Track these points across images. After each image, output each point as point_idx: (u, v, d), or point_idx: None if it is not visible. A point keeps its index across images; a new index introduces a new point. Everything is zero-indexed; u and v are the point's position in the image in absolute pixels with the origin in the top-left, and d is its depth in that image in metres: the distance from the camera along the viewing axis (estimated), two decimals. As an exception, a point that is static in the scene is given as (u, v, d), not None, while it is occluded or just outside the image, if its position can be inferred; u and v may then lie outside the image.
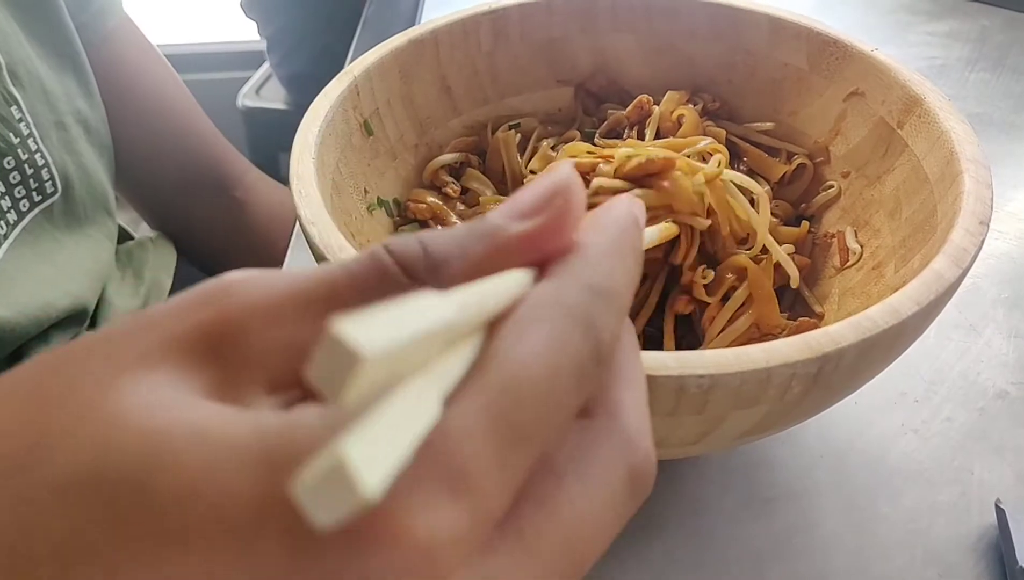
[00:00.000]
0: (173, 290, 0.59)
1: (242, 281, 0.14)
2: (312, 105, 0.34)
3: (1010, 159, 0.57)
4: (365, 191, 0.38)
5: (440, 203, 0.40)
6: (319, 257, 0.28)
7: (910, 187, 0.35)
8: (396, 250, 0.15)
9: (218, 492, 0.11)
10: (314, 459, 0.10)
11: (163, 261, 0.61)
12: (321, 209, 0.29)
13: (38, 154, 0.45)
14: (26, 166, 0.45)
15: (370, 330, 0.11)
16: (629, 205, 0.18)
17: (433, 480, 0.12)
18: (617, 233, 0.17)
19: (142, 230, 0.69)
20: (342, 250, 0.28)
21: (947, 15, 0.75)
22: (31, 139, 0.45)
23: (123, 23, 0.59)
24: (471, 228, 0.16)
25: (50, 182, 0.47)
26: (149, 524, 0.11)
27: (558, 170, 0.16)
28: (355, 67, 0.37)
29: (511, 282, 0.15)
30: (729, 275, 0.35)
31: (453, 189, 0.41)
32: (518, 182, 0.41)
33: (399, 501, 0.12)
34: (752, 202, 0.36)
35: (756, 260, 0.36)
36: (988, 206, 0.29)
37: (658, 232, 0.32)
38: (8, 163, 0.44)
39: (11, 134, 0.44)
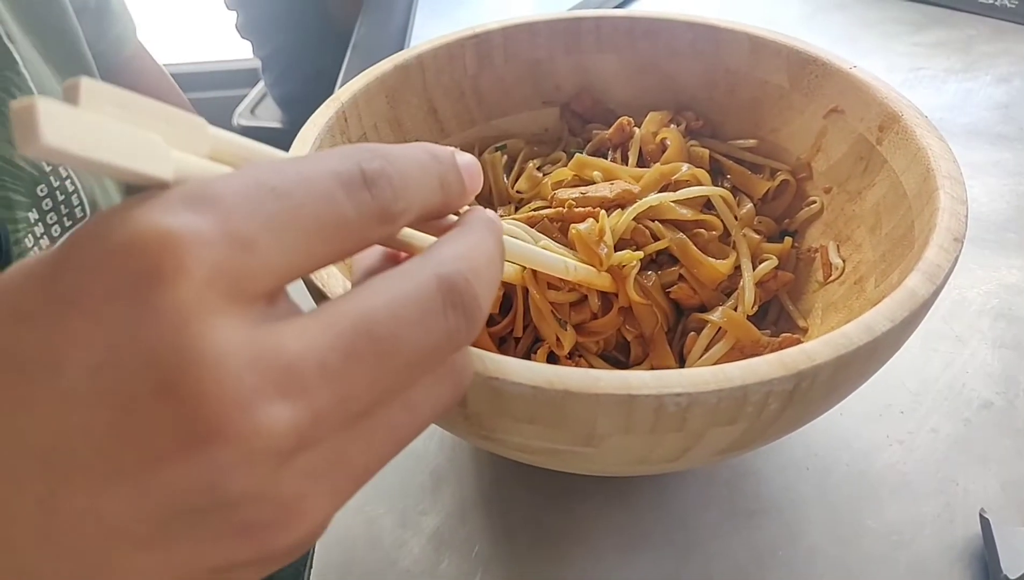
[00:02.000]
0: None
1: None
2: (299, 134, 0.35)
3: (996, 169, 0.57)
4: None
5: None
6: (308, 283, 0.29)
7: (889, 203, 0.35)
8: None
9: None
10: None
11: None
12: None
13: (68, 180, 0.46)
14: (57, 192, 0.46)
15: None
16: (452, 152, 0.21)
17: (191, 198, 0.15)
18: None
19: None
20: (329, 276, 0.28)
21: (933, 26, 0.76)
22: (61, 166, 0.46)
23: (138, 51, 0.60)
24: None
25: (79, 208, 0.47)
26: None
27: None
28: (342, 94, 0.38)
29: None
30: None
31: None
32: (505, 203, 0.42)
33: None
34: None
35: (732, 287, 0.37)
36: (963, 223, 0.30)
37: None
38: (41, 190, 0.44)
39: (44, 162, 0.44)
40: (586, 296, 0.36)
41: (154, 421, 0.14)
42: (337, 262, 0.17)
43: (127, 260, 0.14)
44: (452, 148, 0.21)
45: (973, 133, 0.61)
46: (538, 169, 0.42)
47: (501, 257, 0.21)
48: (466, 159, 0.21)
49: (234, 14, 1.23)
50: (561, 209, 0.36)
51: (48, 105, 0.13)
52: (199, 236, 0.14)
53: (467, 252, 0.19)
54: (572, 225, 0.35)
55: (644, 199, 0.37)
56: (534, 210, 0.38)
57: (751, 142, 0.43)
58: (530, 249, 0.29)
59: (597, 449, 0.26)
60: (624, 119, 0.42)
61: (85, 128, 0.13)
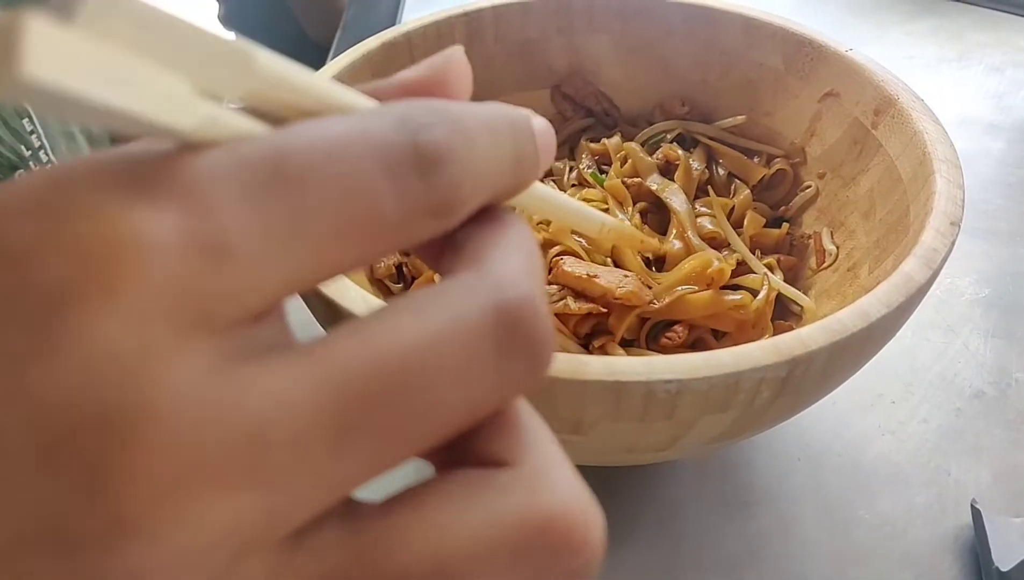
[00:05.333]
0: None
1: None
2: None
3: (988, 158, 0.57)
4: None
5: None
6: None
7: (884, 188, 0.35)
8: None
9: None
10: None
11: None
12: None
13: (49, 166, 0.45)
14: None
15: None
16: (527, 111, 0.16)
17: (152, 185, 0.10)
18: (491, 105, 0.14)
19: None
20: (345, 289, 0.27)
21: (926, 14, 0.76)
22: (42, 151, 0.45)
23: None
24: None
25: None
26: None
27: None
28: (326, 71, 0.36)
29: (362, 101, 0.14)
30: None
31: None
32: None
33: (95, 179, 0.10)
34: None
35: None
36: (959, 207, 0.29)
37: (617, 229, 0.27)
38: (20, 176, 0.43)
39: (23, 147, 0.43)
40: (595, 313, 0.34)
41: (35, 501, 0.09)
42: (360, 269, 0.13)
43: (32, 269, 0.09)
44: (527, 110, 0.15)
45: (965, 122, 0.60)
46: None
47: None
48: (542, 124, 0.15)
49: (216, 5, 1.22)
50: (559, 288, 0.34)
51: (40, 25, 0.08)
52: (152, 241, 0.10)
53: (529, 266, 0.13)
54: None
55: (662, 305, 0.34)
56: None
57: (740, 118, 0.42)
58: (562, 198, 0.22)
59: (585, 437, 0.25)
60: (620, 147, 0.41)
61: (88, 59, 0.09)
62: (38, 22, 0.09)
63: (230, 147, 0.11)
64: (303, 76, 0.13)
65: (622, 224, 0.29)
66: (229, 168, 0.10)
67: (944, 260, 0.27)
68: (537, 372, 0.12)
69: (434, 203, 0.12)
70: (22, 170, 0.43)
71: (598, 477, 0.36)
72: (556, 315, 0.33)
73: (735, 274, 0.37)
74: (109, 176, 0.10)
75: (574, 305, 0.33)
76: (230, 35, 0.12)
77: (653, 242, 0.34)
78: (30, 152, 0.44)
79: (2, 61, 0.08)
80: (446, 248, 0.14)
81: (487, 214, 0.14)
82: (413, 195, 0.12)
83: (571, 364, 0.23)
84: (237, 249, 0.10)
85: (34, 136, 0.44)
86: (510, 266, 0.13)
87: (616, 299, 0.33)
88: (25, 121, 0.44)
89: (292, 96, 0.12)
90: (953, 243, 0.28)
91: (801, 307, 0.37)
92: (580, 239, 0.36)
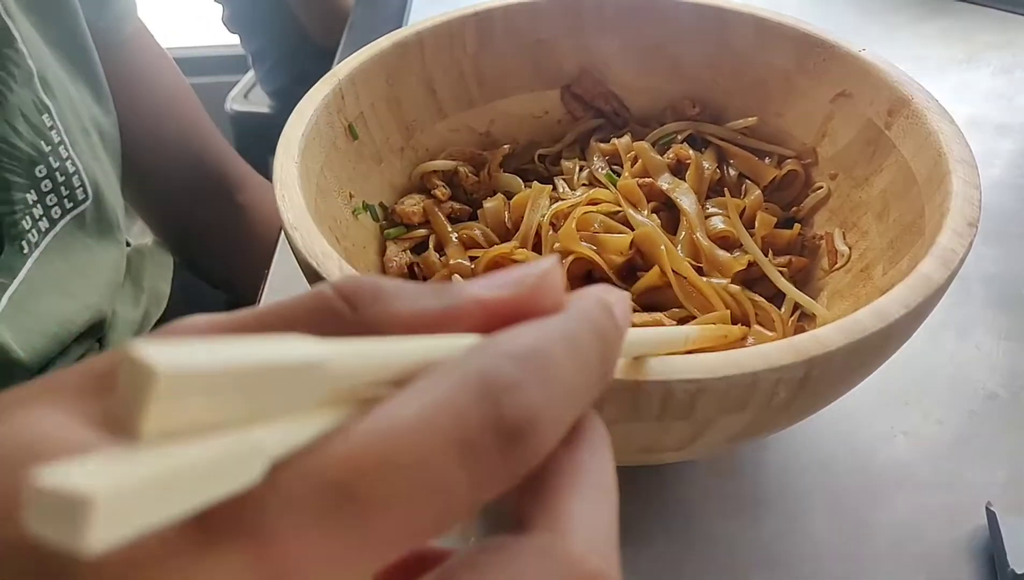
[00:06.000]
0: (171, 298, 0.59)
1: (171, 326, 0.13)
2: (296, 109, 0.34)
3: (999, 160, 0.56)
4: (350, 195, 0.37)
5: (431, 203, 0.40)
6: (302, 261, 0.28)
7: (898, 189, 0.35)
8: (341, 283, 0.14)
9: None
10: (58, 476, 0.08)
11: (161, 269, 0.61)
12: (304, 214, 0.29)
13: (69, 161, 0.46)
14: (57, 174, 0.45)
15: (181, 351, 0.09)
16: (604, 292, 0.16)
17: (219, 534, 0.10)
18: (575, 313, 0.14)
19: (133, 235, 0.69)
20: (325, 255, 0.27)
21: (935, 15, 0.75)
22: (62, 146, 0.45)
23: (139, 30, 0.59)
24: (434, 285, 0.15)
25: (81, 189, 0.47)
26: None
27: (543, 258, 0.15)
28: (339, 70, 0.36)
29: (441, 345, 0.13)
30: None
31: (442, 192, 0.41)
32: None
33: (163, 544, 0.10)
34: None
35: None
36: (976, 207, 0.29)
37: (698, 333, 0.27)
38: (40, 171, 0.44)
39: (42, 142, 0.44)
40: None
41: None
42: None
43: None
44: (607, 297, 0.15)
45: (975, 124, 0.60)
46: (542, 159, 0.42)
47: None
48: (619, 301, 0.16)
49: (220, 7, 1.22)
50: None
51: (101, 485, 0.08)
52: None
53: (604, 520, 0.13)
54: None
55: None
56: None
57: (751, 119, 0.42)
58: (640, 338, 0.23)
59: (601, 437, 0.25)
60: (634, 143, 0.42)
61: (144, 495, 0.09)
62: (97, 478, 0.08)
63: (296, 473, 0.11)
64: (376, 354, 0.12)
65: (703, 329, 0.29)
66: (297, 502, 0.11)
67: (962, 261, 0.27)
68: None
69: (513, 473, 0.12)
70: (41, 165, 0.43)
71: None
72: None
73: (746, 274, 0.37)
74: (185, 526, 0.10)
75: None
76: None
77: (735, 330, 0.32)
78: (50, 147, 0.44)
79: (65, 532, 0.08)
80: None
81: (570, 432, 0.14)
82: (491, 474, 0.11)
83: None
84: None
85: (54, 131, 0.44)
86: (584, 531, 0.13)
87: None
88: (45, 117, 0.44)
89: (367, 379, 0.12)
90: (971, 244, 0.27)
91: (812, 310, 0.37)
92: (591, 245, 0.36)
